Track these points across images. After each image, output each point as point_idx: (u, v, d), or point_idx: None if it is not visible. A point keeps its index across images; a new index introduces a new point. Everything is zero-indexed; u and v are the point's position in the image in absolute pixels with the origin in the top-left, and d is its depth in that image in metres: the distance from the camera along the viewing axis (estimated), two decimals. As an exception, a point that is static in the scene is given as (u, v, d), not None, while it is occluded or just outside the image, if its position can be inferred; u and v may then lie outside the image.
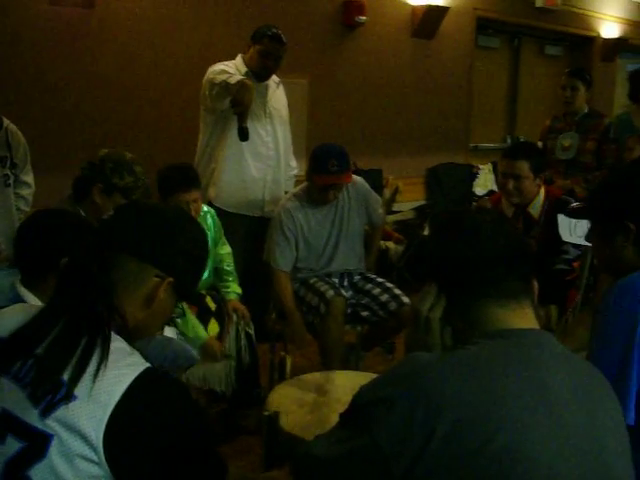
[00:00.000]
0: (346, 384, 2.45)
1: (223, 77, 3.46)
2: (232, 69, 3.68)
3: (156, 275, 1.34)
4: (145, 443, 1.18)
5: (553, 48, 8.37)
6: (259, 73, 3.80)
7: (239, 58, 3.84)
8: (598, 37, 8.44)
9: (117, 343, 1.25)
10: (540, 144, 4.72)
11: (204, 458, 1.29)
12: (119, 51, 4.54)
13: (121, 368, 1.21)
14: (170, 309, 1.45)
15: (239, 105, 3.37)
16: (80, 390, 1.16)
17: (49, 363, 1.19)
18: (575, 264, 3.11)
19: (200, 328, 3.07)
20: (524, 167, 3.14)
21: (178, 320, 3.01)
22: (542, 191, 3.26)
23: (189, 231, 1.43)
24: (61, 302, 1.27)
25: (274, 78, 3.96)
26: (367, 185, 3.73)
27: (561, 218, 3.04)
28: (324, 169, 3.35)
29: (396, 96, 6.37)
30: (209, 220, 3.33)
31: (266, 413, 2.16)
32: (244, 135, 3.43)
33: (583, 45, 8.45)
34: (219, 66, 3.65)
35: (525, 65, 8.09)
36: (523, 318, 1.26)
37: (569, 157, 4.55)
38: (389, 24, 6.18)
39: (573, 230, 3.02)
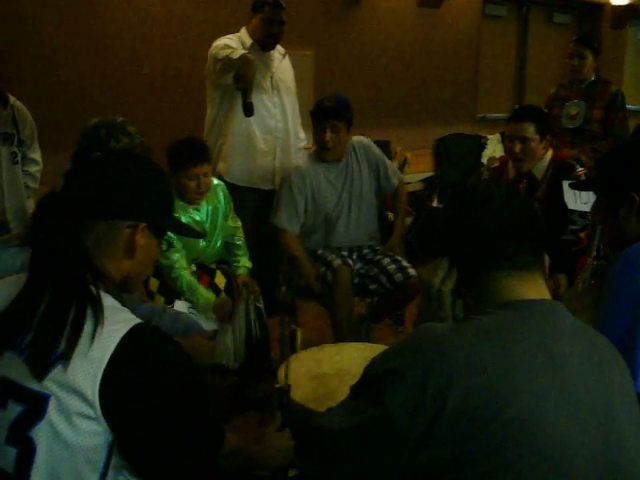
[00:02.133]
0: (357, 356, 2.47)
1: (227, 52, 3.43)
2: (236, 42, 3.66)
3: (127, 226, 1.35)
4: (139, 395, 1.21)
5: (562, 16, 8.26)
6: (265, 42, 3.78)
7: (243, 30, 3.81)
8: (607, 4, 8.31)
9: (106, 301, 1.27)
10: (545, 112, 4.69)
11: (199, 418, 1.31)
12: (125, 23, 4.51)
13: (112, 324, 1.23)
14: (155, 250, 1.47)
15: (242, 81, 3.35)
16: (77, 351, 1.19)
17: (44, 336, 1.21)
18: (582, 234, 3.10)
19: (209, 293, 3.09)
20: (530, 129, 3.18)
21: (188, 288, 3.02)
22: (548, 153, 3.26)
23: (141, 172, 1.43)
24: (41, 275, 1.28)
25: (279, 49, 3.94)
26: (376, 147, 3.71)
27: (566, 186, 3.03)
28: (320, 104, 3.42)
29: (403, 67, 6.32)
30: (220, 194, 3.32)
31: (277, 386, 2.17)
32: (249, 110, 3.40)
33: (592, 13, 8.34)
34: (222, 40, 3.62)
35: (533, 34, 8.00)
36: (535, 289, 1.26)
37: (576, 125, 4.51)
38: (395, -7, 6.12)
39: (578, 197, 3.02)
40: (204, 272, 3.21)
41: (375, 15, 6.00)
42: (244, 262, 3.36)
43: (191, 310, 3.00)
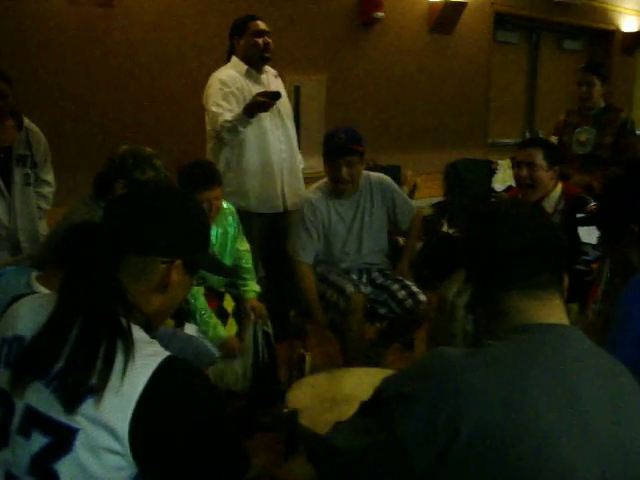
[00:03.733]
0: (366, 381, 2.45)
1: (223, 119, 3.51)
2: (229, 77, 3.69)
3: (163, 262, 1.34)
4: (169, 431, 1.19)
5: (572, 43, 8.30)
6: (262, 57, 3.79)
7: (234, 59, 3.82)
8: (618, 31, 8.36)
9: (136, 333, 1.26)
10: (554, 139, 4.69)
11: (228, 447, 1.30)
12: (138, 49, 4.57)
13: (143, 358, 1.21)
14: (188, 286, 1.44)
15: (261, 111, 3.47)
16: (108, 386, 1.17)
17: (76, 369, 1.19)
18: (594, 265, 3.09)
19: (220, 327, 3.08)
20: (537, 154, 3.21)
21: (201, 318, 3.02)
22: (558, 187, 3.26)
23: (180, 208, 1.41)
24: (71, 304, 1.26)
25: (271, 71, 3.96)
26: (396, 186, 3.71)
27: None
28: (331, 142, 3.40)
29: (414, 92, 6.35)
30: (229, 217, 3.33)
31: (285, 410, 2.17)
32: (276, 95, 3.47)
33: (602, 39, 8.38)
34: (210, 106, 3.62)
35: (544, 60, 8.04)
36: (551, 311, 1.25)
37: (586, 152, 4.51)
38: (406, 20, 6.17)
39: (592, 230, 3.02)
40: (213, 296, 3.22)
41: (387, 40, 6.04)
42: (252, 286, 3.36)
43: (200, 333, 3.00)
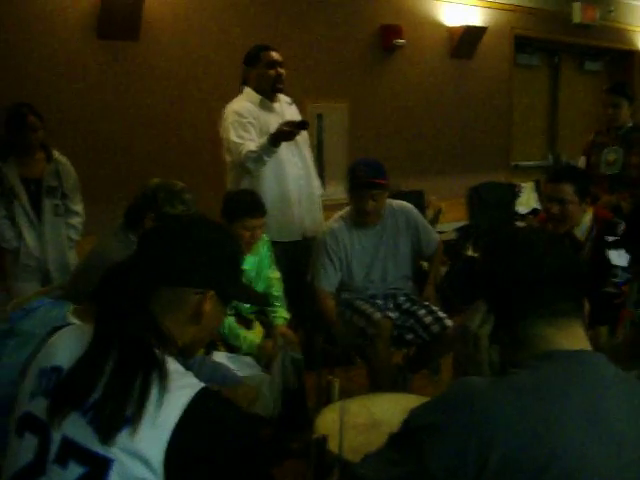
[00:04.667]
0: (394, 407, 2.45)
1: (247, 149, 3.54)
2: (244, 108, 3.72)
3: (196, 292, 1.35)
4: (203, 461, 1.20)
5: (593, 64, 8.31)
6: (273, 85, 3.80)
7: (247, 90, 3.83)
8: (638, 52, 8.35)
9: (170, 365, 1.27)
10: (583, 159, 4.67)
11: (261, 477, 1.31)
12: (165, 82, 4.65)
13: (178, 389, 1.23)
14: (221, 317, 1.46)
15: (286, 140, 3.51)
16: (143, 417, 1.19)
17: (112, 400, 1.20)
18: (624, 287, 3.06)
19: (250, 335, 3.13)
20: (569, 190, 3.08)
21: (230, 332, 3.05)
22: (589, 213, 3.20)
23: (212, 239, 1.42)
24: (106, 336, 1.28)
25: (285, 98, 3.97)
26: (419, 214, 3.72)
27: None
28: (354, 176, 3.43)
29: (436, 117, 6.38)
30: (264, 246, 3.38)
31: (314, 436, 2.16)
32: (303, 125, 3.52)
33: (623, 59, 8.38)
34: (231, 137, 3.65)
35: (565, 81, 8.05)
36: (573, 338, 1.25)
37: (614, 172, 4.48)
38: (427, 45, 6.22)
39: (623, 252, 2.98)
40: (241, 322, 3.24)
41: (408, 67, 6.09)
42: (282, 313, 3.37)
43: (229, 359, 3.02)
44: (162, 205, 2.64)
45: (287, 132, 3.44)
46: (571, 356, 1.22)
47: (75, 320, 1.86)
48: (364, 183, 3.40)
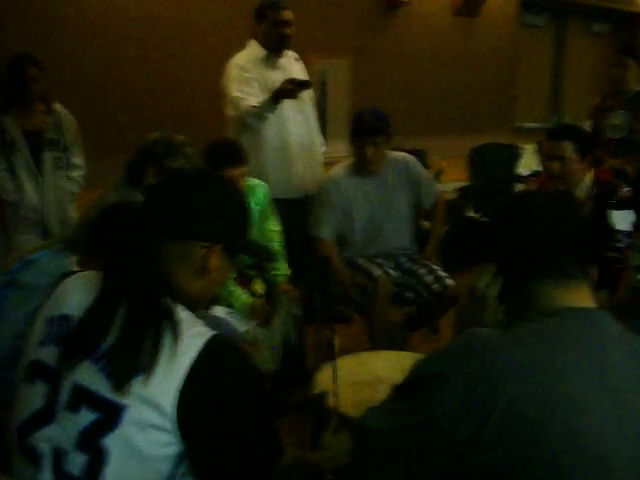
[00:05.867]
0: (392, 364, 2.47)
1: (248, 104, 3.51)
2: (248, 60, 3.68)
3: (203, 246, 1.35)
4: (214, 407, 1.22)
5: (600, 25, 8.21)
6: (278, 45, 3.76)
7: (253, 43, 3.79)
8: (647, 13, 8.24)
9: (181, 314, 1.28)
10: (590, 122, 4.63)
11: (266, 428, 1.33)
12: (169, 35, 4.59)
13: (189, 337, 1.24)
14: (228, 270, 1.46)
15: (290, 97, 3.47)
16: (156, 365, 1.20)
17: (125, 349, 1.22)
18: (626, 252, 3.05)
19: (244, 295, 3.12)
20: (569, 148, 3.04)
21: (226, 289, 3.05)
22: (590, 174, 3.17)
23: (219, 194, 1.43)
24: (116, 287, 1.28)
25: (292, 54, 3.92)
26: (420, 165, 3.71)
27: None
28: (358, 122, 3.43)
29: (439, 76, 6.32)
30: (260, 194, 3.33)
31: (314, 392, 2.18)
32: (305, 84, 3.50)
33: (630, 22, 8.26)
34: (232, 92, 3.61)
35: (571, 43, 7.95)
36: (580, 297, 1.26)
37: (620, 136, 4.45)
38: (432, 2, 6.14)
39: (626, 215, 2.96)
40: (243, 280, 3.24)
41: (412, 24, 6.01)
42: (284, 269, 3.36)
43: (229, 315, 3.03)
44: (163, 158, 2.61)
45: (290, 90, 3.41)
46: (577, 312, 1.24)
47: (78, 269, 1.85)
48: (367, 128, 3.39)
